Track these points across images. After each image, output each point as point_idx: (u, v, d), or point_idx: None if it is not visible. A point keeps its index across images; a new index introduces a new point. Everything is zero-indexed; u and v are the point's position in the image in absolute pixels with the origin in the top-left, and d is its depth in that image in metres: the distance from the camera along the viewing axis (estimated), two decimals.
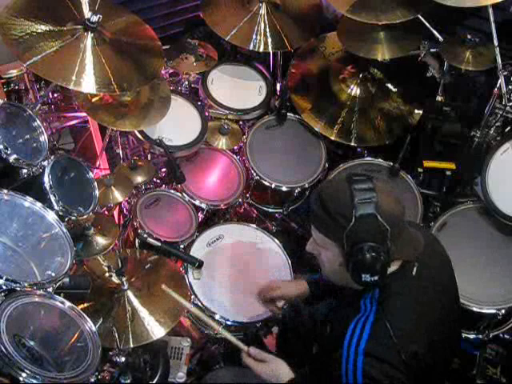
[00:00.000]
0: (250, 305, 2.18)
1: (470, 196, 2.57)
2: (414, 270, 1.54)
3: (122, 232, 2.60)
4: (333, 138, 2.80)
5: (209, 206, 2.63)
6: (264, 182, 2.70)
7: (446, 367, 1.74)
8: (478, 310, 2.16)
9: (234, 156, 2.83)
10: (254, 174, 2.71)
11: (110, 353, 1.77)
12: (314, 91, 2.93)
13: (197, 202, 2.60)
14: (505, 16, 2.64)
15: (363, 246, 1.42)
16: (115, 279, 2.00)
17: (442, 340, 1.55)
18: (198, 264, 2.27)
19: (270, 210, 2.86)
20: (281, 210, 2.84)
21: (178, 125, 2.66)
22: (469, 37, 2.45)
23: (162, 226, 2.47)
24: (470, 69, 2.43)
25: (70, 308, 1.63)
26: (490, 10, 2.32)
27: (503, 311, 2.15)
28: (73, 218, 1.96)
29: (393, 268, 1.52)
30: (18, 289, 1.55)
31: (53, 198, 1.88)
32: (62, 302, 1.62)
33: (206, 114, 2.83)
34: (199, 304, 2.19)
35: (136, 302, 1.96)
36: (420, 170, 2.58)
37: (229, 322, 2.15)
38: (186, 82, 2.87)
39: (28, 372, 1.42)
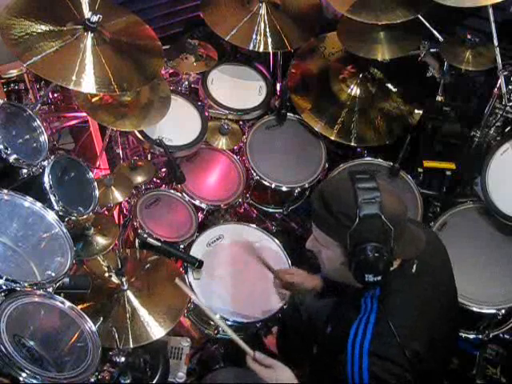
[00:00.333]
0: (250, 305, 2.18)
1: (470, 196, 2.57)
2: (414, 267, 1.53)
3: (122, 232, 2.59)
4: (333, 138, 2.80)
5: (209, 206, 2.63)
6: (264, 181, 2.69)
7: (444, 367, 1.73)
8: (478, 310, 2.16)
9: (234, 156, 2.83)
10: (254, 174, 2.71)
11: (110, 353, 1.77)
12: (314, 91, 2.93)
13: (197, 202, 2.60)
14: (505, 16, 2.65)
15: (366, 246, 1.41)
16: (115, 279, 2.00)
17: (441, 339, 1.54)
18: (198, 264, 2.26)
19: (270, 210, 2.86)
20: (281, 210, 2.84)
21: (177, 125, 2.66)
22: (469, 37, 2.45)
23: (162, 226, 2.47)
24: (470, 69, 2.43)
25: (70, 308, 1.63)
26: (490, 10, 2.32)
27: (503, 311, 2.15)
28: (73, 218, 1.96)
29: (393, 266, 1.51)
30: (18, 289, 1.55)
31: (53, 198, 1.89)
32: (62, 302, 1.62)
33: (206, 114, 2.82)
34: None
35: (136, 302, 1.96)
36: (420, 170, 2.58)
37: (229, 322, 2.14)
38: (186, 82, 2.87)
39: (28, 372, 1.42)
